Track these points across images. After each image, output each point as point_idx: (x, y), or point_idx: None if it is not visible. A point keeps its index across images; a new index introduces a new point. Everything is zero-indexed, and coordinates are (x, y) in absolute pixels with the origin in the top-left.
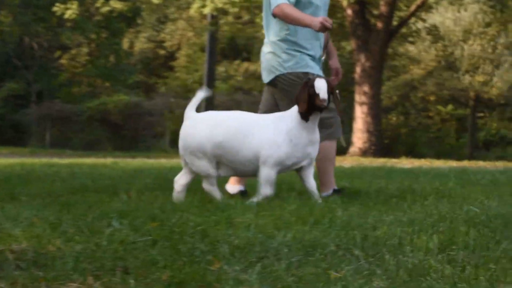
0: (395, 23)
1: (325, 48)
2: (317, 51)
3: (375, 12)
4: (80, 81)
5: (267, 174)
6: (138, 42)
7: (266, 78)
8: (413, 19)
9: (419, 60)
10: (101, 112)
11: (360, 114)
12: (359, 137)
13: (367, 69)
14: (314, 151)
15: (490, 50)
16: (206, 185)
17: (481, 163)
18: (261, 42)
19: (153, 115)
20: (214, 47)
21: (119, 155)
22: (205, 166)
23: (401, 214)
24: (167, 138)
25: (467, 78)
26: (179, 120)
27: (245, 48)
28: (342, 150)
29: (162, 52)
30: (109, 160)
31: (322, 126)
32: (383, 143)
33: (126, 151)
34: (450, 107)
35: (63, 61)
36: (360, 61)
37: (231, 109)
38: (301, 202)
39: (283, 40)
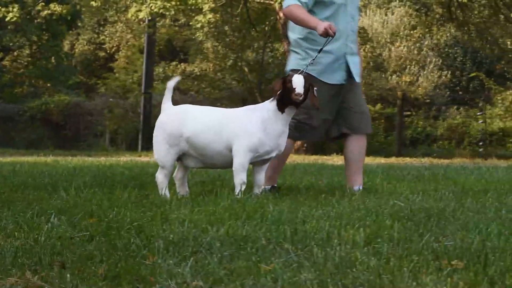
0: None
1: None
2: (340, 47)
3: None
4: (22, 82)
5: (241, 161)
6: (79, 44)
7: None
8: None
9: None
10: (43, 112)
11: None
12: None
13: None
14: (283, 143)
15: (416, 52)
16: (159, 176)
17: (407, 160)
18: (197, 44)
19: (93, 114)
20: (152, 49)
21: (60, 154)
22: (166, 157)
23: (330, 209)
24: (107, 137)
25: (394, 79)
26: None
27: (182, 49)
28: None
29: (102, 53)
30: (50, 159)
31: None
32: (315, 141)
33: (67, 150)
34: (378, 106)
35: (5, 62)
36: None
37: None
38: (234, 198)
39: (305, 38)
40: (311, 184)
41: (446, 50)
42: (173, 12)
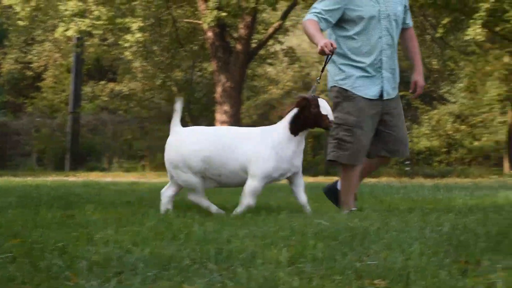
0: (254, 45)
1: (411, 59)
2: (373, 61)
3: (235, 34)
4: None
5: (254, 186)
6: (6, 63)
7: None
8: (271, 42)
9: (277, 81)
10: None
11: None
12: None
13: (227, 89)
14: (298, 162)
15: None
16: (192, 197)
17: (335, 178)
18: (125, 63)
19: (20, 134)
20: (80, 68)
21: None
22: (190, 179)
23: (255, 229)
24: (34, 156)
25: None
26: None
27: (110, 69)
28: None
29: (29, 73)
30: None
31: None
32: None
33: None
34: None
35: None
36: (220, 81)
37: (97, 128)
38: (160, 217)
39: (338, 53)
40: (237, 204)
41: None
42: (101, 32)
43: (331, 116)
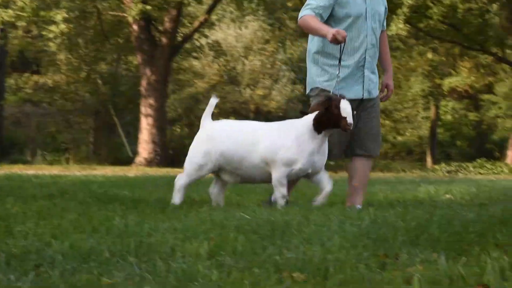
0: (179, 38)
1: (382, 62)
2: (358, 60)
3: (160, 28)
4: None
5: (277, 176)
6: None
7: (307, 89)
8: (196, 35)
9: (202, 75)
10: None
11: (145, 126)
12: (144, 148)
13: (152, 82)
14: (320, 161)
15: (269, 66)
16: (180, 181)
17: None
18: (49, 55)
19: None
20: (3, 60)
21: None
22: (198, 171)
23: (176, 222)
24: None
25: (248, 92)
26: None
27: (34, 61)
28: (128, 161)
29: None
30: None
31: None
32: (167, 154)
33: None
34: (232, 118)
35: None
36: (146, 75)
37: (20, 120)
38: (81, 211)
39: (320, 52)
40: (160, 197)
41: (299, 64)
42: (25, 23)
43: (350, 119)
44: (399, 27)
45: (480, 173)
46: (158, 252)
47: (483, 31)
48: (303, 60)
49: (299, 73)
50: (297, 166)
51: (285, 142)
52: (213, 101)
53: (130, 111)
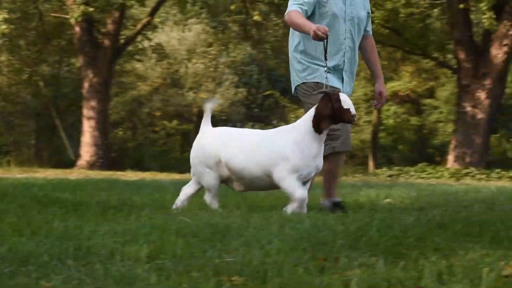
0: (122, 41)
1: (373, 70)
2: (337, 62)
3: (103, 30)
4: None
5: (287, 183)
6: None
7: (292, 89)
8: (139, 38)
9: (145, 77)
10: None
11: (87, 128)
12: (86, 151)
13: (95, 84)
14: (320, 163)
15: (212, 69)
16: (207, 198)
17: None
18: None
19: None
20: None
21: None
22: (209, 180)
23: (116, 225)
24: None
25: (191, 95)
26: None
27: None
28: (70, 163)
29: None
30: None
31: (328, 138)
32: (110, 157)
33: None
34: (175, 122)
35: None
36: (88, 77)
37: None
38: (21, 213)
39: (298, 51)
40: (101, 200)
41: (242, 67)
42: None
43: (353, 110)
44: None
45: (421, 178)
46: (97, 255)
47: (425, 36)
48: (246, 63)
49: (242, 76)
50: (305, 171)
51: (287, 150)
52: (209, 105)
53: (73, 114)
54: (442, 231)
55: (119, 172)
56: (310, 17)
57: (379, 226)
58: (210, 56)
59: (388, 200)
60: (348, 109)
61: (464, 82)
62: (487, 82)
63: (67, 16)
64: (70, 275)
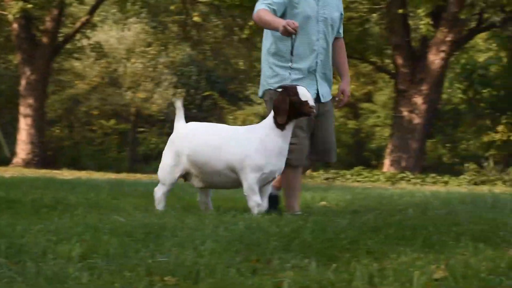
0: (60, 39)
1: (339, 70)
2: (310, 64)
3: (41, 27)
4: None
5: (248, 184)
6: None
7: (259, 92)
8: (78, 36)
9: (84, 76)
10: None
11: (24, 126)
12: (22, 148)
13: (32, 82)
14: (283, 162)
15: (151, 69)
16: (158, 192)
17: (138, 176)
18: None
19: None
20: None
21: None
22: (169, 174)
23: (50, 224)
24: None
25: (129, 95)
26: None
27: None
28: (5, 161)
29: None
30: None
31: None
32: (46, 155)
33: None
34: (112, 121)
35: None
36: (25, 74)
37: None
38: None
39: (270, 53)
40: (35, 198)
41: (181, 68)
42: None
43: (311, 102)
44: None
45: (357, 181)
46: (29, 254)
47: (363, 40)
48: (185, 64)
49: (181, 77)
50: (268, 169)
51: (250, 148)
52: (179, 103)
53: (10, 111)
54: (375, 234)
55: (55, 171)
56: (282, 18)
57: (313, 229)
58: (149, 56)
59: (323, 203)
60: (306, 101)
61: (401, 87)
62: (424, 88)
63: (5, 13)
64: (1, 273)
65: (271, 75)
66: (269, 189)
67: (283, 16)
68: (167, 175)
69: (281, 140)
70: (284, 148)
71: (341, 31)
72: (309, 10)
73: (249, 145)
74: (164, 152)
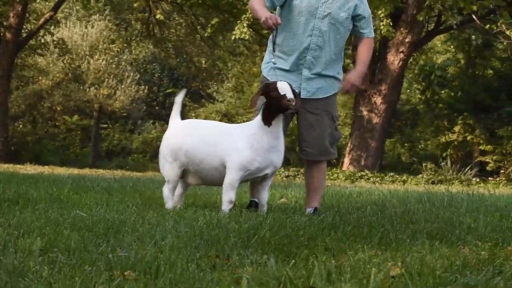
0: (24, 34)
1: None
2: (297, 58)
3: (5, 23)
4: None
5: (230, 179)
6: None
7: None
8: (42, 32)
9: (47, 72)
10: None
11: None
12: None
13: None
14: (277, 159)
15: (114, 66)
16: (165, 190)
17: (101, 171)
18: None
19: None
20: None
21: None
22: (170, 171)
23: (10, 218)
24: None
25: (92, 91)
26: None
27: None
28: None
29: None
30: None
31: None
32: (9, 150)
33: None
34: (75, 117)
35: None
36: None
37: None
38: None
39: (270, 40)
40: None
41: (144, 65)
42: None
43: (290, 95)
44: (242, 31)
45: None
46: None
47: None
48: (148, 61)
49: (145, 74)
50: (254, 166)
51: (238, 145)
52: (178, 98)
53: None
54: (333, 231)
55: (18, 166)
56: (281, 8)
57: (272, 225)
58: (112, 53)
59: (283, 200)
60: (284, 95)
61: (360, 87)
62: (383, 88)
63: None
64: None
65: (265, 61)
66: (269, 183)
67: (283, 6)
68: (169, 172)
69: (269, 136)
70: (274, 144)
71: (366, 31)
72: (308, 5)
73: (237, 142)
74: (160, 149)
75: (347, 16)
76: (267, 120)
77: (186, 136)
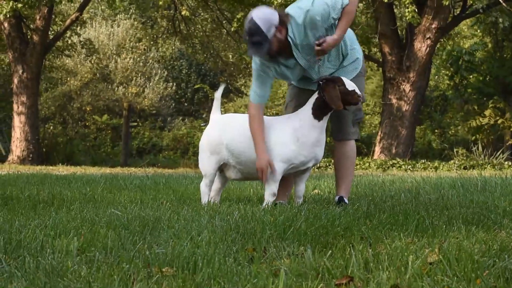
0: (51, 36)
1: None
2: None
3: (32, 26)
4: None
5: (274, 172)
6: None
7: None
8: (68, 33)
9: (75, 72)
10: None
11: (18, 124)
12: (17, 146)
13: (24, 80)
14: (321, 152)
15: (141, 64)
16: (202, 185)
17: (133, 170)
18: None
19: None
20: None
21: None
22: (208, 165)
23: (47, 219)
24: None
25: (121, 90)
26: None
27: None
28: (1, 159)
29: None
30: None
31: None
32: (41, 152)
33: None
34: (105, 117)
35: None
36: (17, 72)
37: None
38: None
39: None
40: (31, 194)
41: (172, 62)
42: None
43: (358, 91)
44: None
45: None
46: (27, 249)
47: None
48: (175, 58)
49: (172, 71)
50: (298, 160)
51: (281, 137)
52: (218, 93)
53: (3, 109)
54: (368, 220)
55: (50, 167)
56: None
57: (307, 217)
58: (139, 51)
59: (316, 191)
60: (353, 90)
61: (389, 75)
62: (412, 75)
63: None
64: (0, 268)
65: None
66: (307, 176)
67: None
68: (207, 167)
69: (317, 130)
70: (320, 139)
71: (338, 6)
72: (297, 74)
73: (281, 135)
74: (200, 144)
75: (329, 28)
76: (319, 115)
77: (227, 130)
